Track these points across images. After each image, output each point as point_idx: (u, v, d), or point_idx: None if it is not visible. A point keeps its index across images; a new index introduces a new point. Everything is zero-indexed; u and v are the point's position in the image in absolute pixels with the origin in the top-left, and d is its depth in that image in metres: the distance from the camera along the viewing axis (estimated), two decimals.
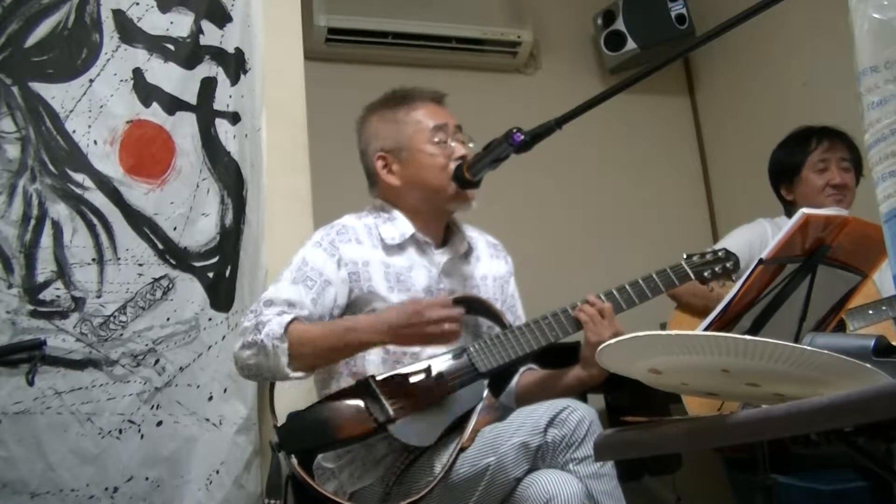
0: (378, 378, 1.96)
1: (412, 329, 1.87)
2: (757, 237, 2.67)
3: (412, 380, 1.96)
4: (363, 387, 1.94)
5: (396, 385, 1.95)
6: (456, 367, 1.99)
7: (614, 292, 2.05)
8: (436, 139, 2.11)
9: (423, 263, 2.10)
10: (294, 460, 1.88)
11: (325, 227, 2.12)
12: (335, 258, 2.03)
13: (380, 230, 2.11)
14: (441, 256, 2.14)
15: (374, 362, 2.01)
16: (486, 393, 1.99)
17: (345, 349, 1.95)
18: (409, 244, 2.11)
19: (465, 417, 1.94)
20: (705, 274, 2.11)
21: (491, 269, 2.22)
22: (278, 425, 1.95)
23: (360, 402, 1.92)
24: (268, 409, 2.03)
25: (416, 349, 2.02)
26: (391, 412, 1.90)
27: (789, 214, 2.78)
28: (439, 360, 2.01)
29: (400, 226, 2.12)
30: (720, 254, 2.16)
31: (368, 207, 2.19)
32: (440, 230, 2.18)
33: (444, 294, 1.99)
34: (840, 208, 2.58)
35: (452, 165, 2.08)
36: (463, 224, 2.24)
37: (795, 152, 2.76)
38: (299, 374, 1.94)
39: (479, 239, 2.25)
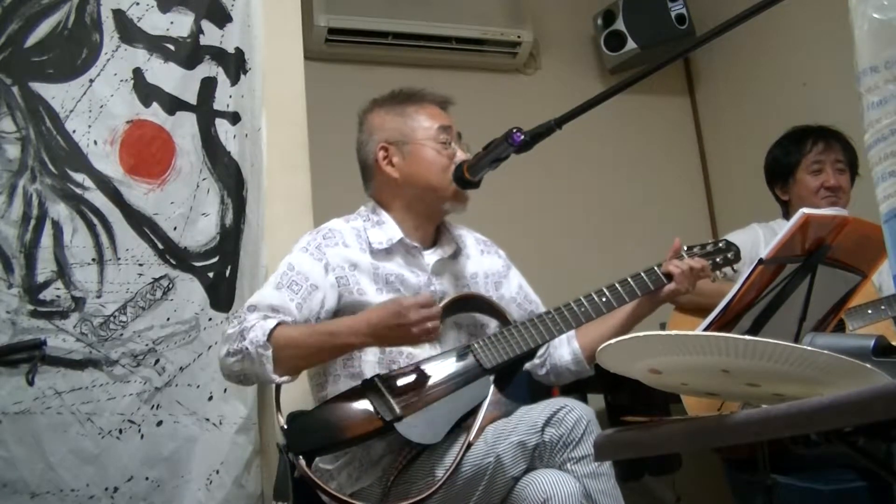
0: (383, 377, 1.96)
1: (394, 330, 1.86)
2: (748, 242, 2.67)
3: (418, 378, 1.96)
4: (369, 386, 1.95)
5: (402, 383, 1.95)
6: (461, 365, 2.00)
7: (617, 285, 2.08)
8: (440, 139, 2.12)
9: (411, 269, 2.09)
10: (302, 462, 1.88)
11: (311, 231, 2.12)
12: (322, 263, 2.02)
13: (368, 234, 2.10)
14: (430, 258, 2.13)
15: (370, 362, 2.01)
16: (492, 389, 1.99)
17: (330, 352, 1.94)
18: (397, 249, 2.10)
19: (471, 414, 1.94)
20: None
21: (482, 265, 2.22)
22: (284, 427, 1.94)
23: (366, 402, 1.92)
24: (267, 408, 2.03)
25: (413, 350, 2.02)
26: (398, 410, 1.90)
27: (785, 214, 2.80)
28: (444, 357, 2.01)
29: (388, 230, 2.10)
30: (721, 244, 2.17)
31: (358, 210, 2.18)
32: (430, 231, 2.17)
33: (428, 294, 1.96)
34: (838, 208, 2.58)
35: (453, 168, 2.08)
36: (451, 223, 2.23)
37: (790, 153, 2.77)
38: (285, 378, 1.93)
39: (467, 237, 2.25)
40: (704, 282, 2.16)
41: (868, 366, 0.98)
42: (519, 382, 2.20)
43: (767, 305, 1.43)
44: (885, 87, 0.94)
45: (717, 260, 2.15)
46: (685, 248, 2.14)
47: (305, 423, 1.96)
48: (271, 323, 1.90)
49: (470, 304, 2.11)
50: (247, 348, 1.88)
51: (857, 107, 0.98)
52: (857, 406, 0.90)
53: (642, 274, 2.09)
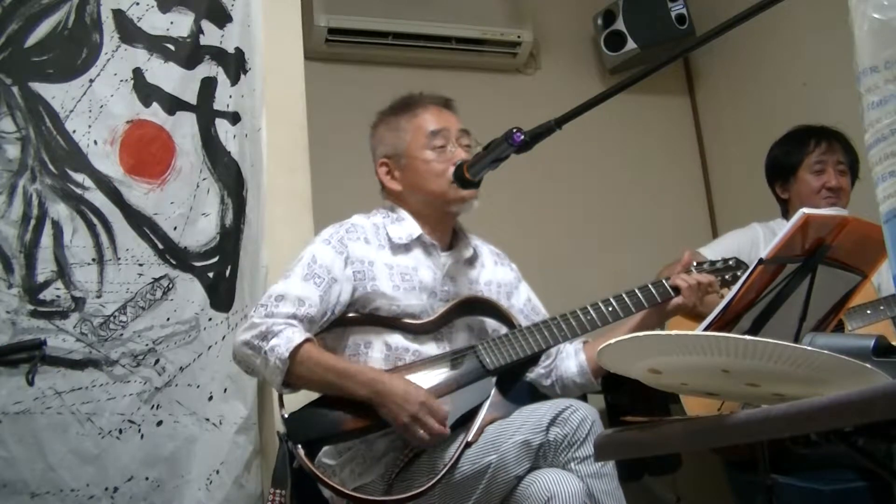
0: (386, 372, 1.97)
1: (395, 408, 1.86)
2: (747, 242, 2.68)
3: (420, 375, 1.97)
4: None
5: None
6: (464, 365, 2.01)
7: (624, 295, 2.08)
8: (434, 144, 2.13)
9: (428, 264, 2.12)
10: (301, 451, 1.89)
11: (334, 224, 2.15)
12: (343, 256, 2.05)
13: (388, 230, 2.14)
14: (446, 259, 2.16)
15: (376, 359, 2.02)
16: (493, 391, 2.00)
17: (337, 389, 1.93)
18: (415, 245, 2.13)
19: (472, 414, 1.95)
20: None
21: (495, 275, 2.24)
22: (285, 416, 1.95)
23: None
24: (267, 408, 2.04)
25: (419, 348, 2.03)
26: None
27: (784, 213, 2.80)
28: (448, 357, 2.02)
29: (407, 226, 2.14)
30: (731, 262, 2.18)
31: (378, 207, 2.22)
32: (446, 234, 2.20)
33: (446, 413, 1.92)
34: (838, 209, 2.58)
35: (451, 170, 2.09)
36: (467, 231, 2.26)
37: (793, 152, 2.78)
38: (287, 391, 1.97)
39: (483, 247, 2.28)
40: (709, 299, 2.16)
41: (868, 366, 0.98)
42: (521, 386, 2.21)
43: (767, 305, 1.42)
44: (885, 87, 0.94)
45: (726, 277, 2.16)
46: (694, 264, 2.14)
47: (306, 413, 1.97)
48: (298, 338, 1.91)
49: (480, 307, 2.12)
50: (266, 353, 1.91)
51: (857, 107, 0.98)
52: (857, 406, 0.90)
53: (650, 286, 2.10)
